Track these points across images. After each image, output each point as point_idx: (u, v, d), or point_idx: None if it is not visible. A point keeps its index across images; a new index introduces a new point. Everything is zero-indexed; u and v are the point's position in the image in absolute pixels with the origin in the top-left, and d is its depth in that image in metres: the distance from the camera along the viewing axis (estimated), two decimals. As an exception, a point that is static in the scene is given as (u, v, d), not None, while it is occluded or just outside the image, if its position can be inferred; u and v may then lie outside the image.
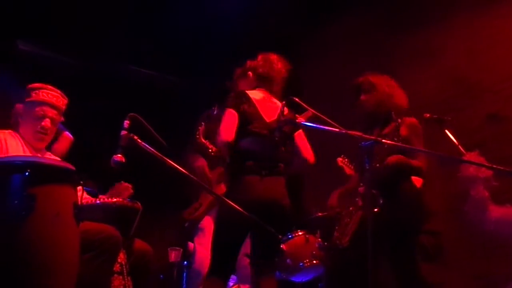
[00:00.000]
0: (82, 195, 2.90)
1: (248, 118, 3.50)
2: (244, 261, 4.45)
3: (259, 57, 3.79)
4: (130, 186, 3.47)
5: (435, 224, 4.11)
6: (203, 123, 4.29)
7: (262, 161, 3.46)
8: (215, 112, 4.37)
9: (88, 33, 5.29)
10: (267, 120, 3.56)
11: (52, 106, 3.41)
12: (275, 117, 3.57)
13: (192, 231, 4.51)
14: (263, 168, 3.45)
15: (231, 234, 3.40)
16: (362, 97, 3.98)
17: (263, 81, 3.70)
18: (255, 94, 3.62)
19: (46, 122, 3.37)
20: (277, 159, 3.55)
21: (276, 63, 3.74)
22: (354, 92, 4.07)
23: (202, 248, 4.33)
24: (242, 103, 3.54)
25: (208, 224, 4.42)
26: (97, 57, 5.50)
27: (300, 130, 3.70)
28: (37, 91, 3.39)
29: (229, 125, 3.47)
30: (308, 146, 3.73)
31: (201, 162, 4.33)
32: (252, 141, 3.49)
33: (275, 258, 3.56)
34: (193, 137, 4.31)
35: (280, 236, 3.64)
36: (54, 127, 3.45)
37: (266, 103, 3.62)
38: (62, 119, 3.52)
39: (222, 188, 3.88)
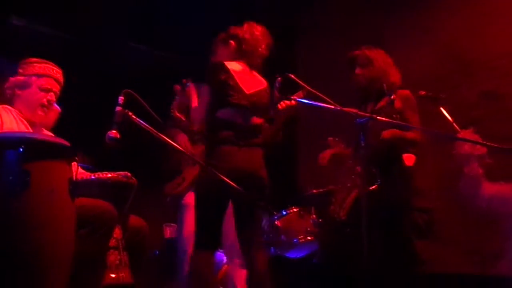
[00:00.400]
0: (77, 171, 2.89)
1: (227, 89, 3.46)
2: (230, 238, 4.46)
3: (245, 26, 3.68)
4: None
5: (427, 201, 4.13)
6: (177, 97, 4.21)
7: (240, 132, 3.44)
8: (188, 85, 4.30)
9: (83, 8, 5.24)
10: (247, 92, 3.53)
11: (57, 81, 3.41)
12: (255, 89, 3.56)
13: (174, 207, 4.44)
14: (241, 138, 3.44)
15: (212, 205, 3.40)
16: (357, 70, 3.98)
17: (244, 54, 3.61)
18: (234, 65, 3.55)
19: (51, 96, 3.36)
20: (256, 130, 3.54)
21: (261, 36, 3.65)
22: (349, 65, 4.06)
23: (187, 225, 4.25)
24: (220, 75, 3.48)
25: (192, 200, 4.35)
26: (93, 33, 5.45)
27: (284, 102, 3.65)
28: (41, 65, 3.38)
29: (204, 98, 3.49)
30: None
31: (182, 137, 4.25)
32: (231, 112, 3.47)
33: (260, 227, 3.54)
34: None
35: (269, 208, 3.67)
36: (54, 101, 3.45)
37: (245, 75, 3.57)
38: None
39: None
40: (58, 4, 5.10)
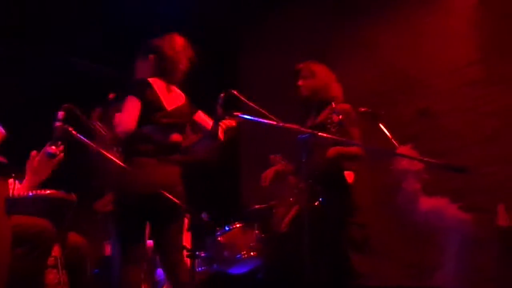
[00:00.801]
0: (14, 188, 2.81)
1: (150, 106, 3.42)
2: None
3: (165, 39, 3.60)
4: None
5: (365, 216, 4.21)
6: (97, 109, 4.12)
7: (159, 148, 3.41)
8: (110, 98, 4.23)
9: (25, 22, 5.12)
10: (168, 109, 3.51)
11: None
12: (176, 105, 3.53)
13: (106, 225, 4.29)
14: (160, 153, 3.41)
15: (134, 220, 3.34)
16: (300, 82, 4.04)
17: (164, 70, 3.55)
18: (156, 82, 3.51)
19: None
20: (175, 148, 3.51)
21: (182, 51, 3.58)
22: (294, 77, 4.11)
23: None
24: (145, 90, 3.44)
25: None
26: (34, 47, 5.34)
27: (199, 111, 3.66)
28: None
29: (131, 113, 3.37)
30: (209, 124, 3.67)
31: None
32: (152, 129, 3.44)
33: (179, 240, 3.48)
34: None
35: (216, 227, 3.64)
36: None
37: (167, 91, 3.54)
38: None
39: None
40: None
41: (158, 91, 3.48)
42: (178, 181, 3.42)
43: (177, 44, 3.59)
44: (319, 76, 3.99)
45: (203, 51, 3.89)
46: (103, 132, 3.74)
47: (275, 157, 4.11)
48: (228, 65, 6.46)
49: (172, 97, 3.55)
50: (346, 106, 3.87)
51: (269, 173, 4.05)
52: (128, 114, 3.38)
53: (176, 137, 3.52)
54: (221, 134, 3.57)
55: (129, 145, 3.40)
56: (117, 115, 3.40)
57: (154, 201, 3.22)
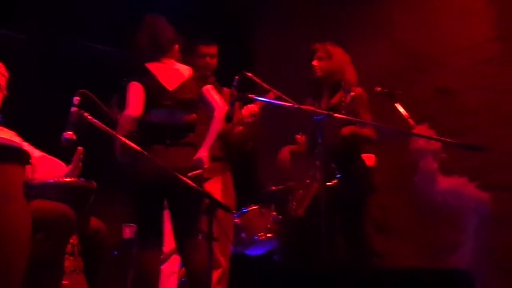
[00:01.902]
0: (33, 174, 2.83)
1: (151, 91, 3.44)
2: None
3: (145, 20, 3.65)
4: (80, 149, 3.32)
5: (383, 197, 4.20)
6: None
7: (167, 132, 3.42)
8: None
9: (33, 5, 5.11)
10: (170, 89, 3.50)
11: None
12: (178, 83, 3.52)
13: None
14: (168, 137, 3.41)
15: (151, 204, 3.39)
16: (315, 62, 4.01)
17: (155, 50, 3.57)
18: (152, 65, 3.53)
19: None
20: (185, 129, 3.52)
21: (160, 27, 3.62)
22: (308, 57, 4.09)
23: None
24: (142, 76, 3.47)
25: None
26: (44, 31, 5.33)
27: (208, 86, 3.64)
28: None
29: (135, 99, 3.42)
30: (219, 97, 3.65)
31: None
32: (157, 113, 3.45)
33: (197, 226, 3.48)
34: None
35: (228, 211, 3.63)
36: (0, 95, 3.32)
37: (166, 71, 3.54)
38: (5, 92, 3.38)
39: None
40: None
41: (156, 73, 3.47)
42: (189, 166, 3.39)
43: (158, 21, 3.62)
44: (335, 58, 3.96)
45: (217, 31, 3.89)
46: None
47: (301, 136, 4.09)
48: (242, 45, 6.43)
49: (173, 74, 3.53)
50: (359, 90, 3.86)
51: (285, 154, 4.03)
52: (133, 99, 3.40)
53: (184, 117, 3.51)
54: (246, 119, 3.57)
55: (140, 132, 3.41)
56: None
57: (166, 187, 3.24)
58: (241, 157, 4.26)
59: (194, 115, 3.56)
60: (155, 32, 3.58)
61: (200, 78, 3.68)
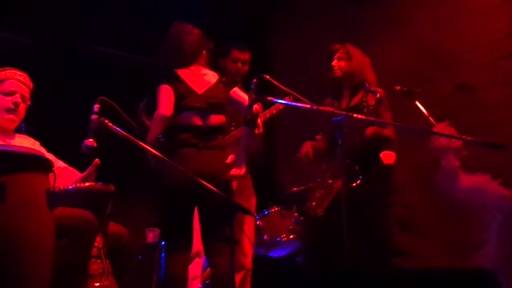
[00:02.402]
0: (55, 182, 2.87)
1: (181, 94, 3.47)
2: None
3: (170, 32, 3.69)
4: (96, 161, 3.36)
5: (407, 196, 4.18)
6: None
7: (198, 134, 3.44)
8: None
9: (48, 11, 5.15)
10: (199, 92, 3.53)
11: (22, 83, 3.35)
12: (207, 87, 3.55)
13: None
14: (200, 140, 3.43)
15: (181, 208, 3.40)
16: (334, 62, 4.01)
17: (180, 55, 3.61)
18: (181, 71, 3.57)
19: (17, 98, 3.30)
20: (214, 131, 3.53)
21: (181, 33, 3.64)
22: (327, 57, 4.09)
23: None
24: (172, 80, 3.51)
25: None
26: (62, 38, 5.38)
27: (235, 87, 3.67)
28: (2, 71, 3.34)
29: (166, 99, 3.44)
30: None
31: None
32: (188, 115, 3.47)
33: (225, 229, 3.49)
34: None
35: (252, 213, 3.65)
36: (24, 105, 3.38)
37: (194, 76, 3.57)
38: (30, 102, 3.45)
39: None
40: (21, 9, 5.00)
41: (184, 78, 3.51)
42: (222, 167, 3.44)
43: (177, 28, 3.64)
44: (355, 59, 3.97)
45: (233, 31, 3.89)
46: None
47: (320, 137, 4.09)
48: (259, 47, 6.44)
49: (200, 80, 3.57)
50: (379, 90, 3.85)
51: (307, 148, 4.03)
52: (164, 100, 3.43)
53: (214, 119, 3.54)
54: (259, 125, 3.58)
55: (168, 137, 3.44)
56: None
57: (197, 193, 3.21)
58: (261, 160, 4.25)
59: (223, 117, 3.59)
60: (180, 41, 3.61)
61: (228, 83, 3.71)
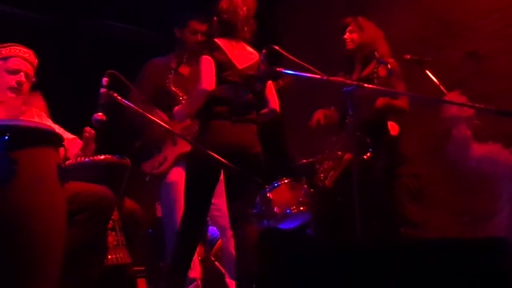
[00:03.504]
0: (66, 156, 2.85)
1: (220, 66, 3.46)
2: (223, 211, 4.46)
3: (223, 1, 3.63)
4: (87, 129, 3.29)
5: (417, 166, 4.16)
6: (172, 71, 4.18)
7: (233, 108, 3.43)
8: (184, 61, 4.26)
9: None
10: (239, 67, 3.52)
11: (26, 61, 3.31)
12: (248, 63, 3.54)
13: (155, 187, 4.30)
14: (234, 114, 3.42)
15: (204, 183, 3.42)
16: (346, 35, 3.98)
17: (229, 29, 3.58)
18: (224, 42, 3.54)
19: (21, 77, 3.26)
20: (249, 106, 3.54)
21: (241, 7, 3.59)
22: (340, 30, 4.05)
23: (180, 204, 3.87)
24: (213, 50, 3.48)
25: (178, 177, 4.02)
26: (68, 12, 5.32)
27: (270, 82, 3.67)
28: (7, 48, 3.29)
29: (208, 72, 3.42)
30: (276, 97, 3.72)
31: (161, 114, 4.12)
32: (225, 89, 3.46)
33: (251, 202, 3.52)
34: (160, 87, 4.16)
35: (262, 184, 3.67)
36: (28, 84, 3.35)
37: (236, 50, 3.56)
38: (34, 79, 3.41)
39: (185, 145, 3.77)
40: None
41: (227, 51, 3.48)
42: (255, 141, 3.46)
43: (236, 5, 3.58)
44: (367, 31, 3.94)
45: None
46: (181, 96, 3.79)
47: (333, 109, 4.07)
48: (266, 19, 6.36)
49: (242, 56, 3.55)
50: (392, 61, 3.81)
51: (319, 115, 4.00)
52: (206, 73, 3.41)
53: (251, 95, 3.52)
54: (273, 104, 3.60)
55: (204, 107, 3.42)
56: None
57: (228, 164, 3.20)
58: (270, 132, 4.23)
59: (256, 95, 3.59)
60: (233, 12, 3.57)
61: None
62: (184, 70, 4.27)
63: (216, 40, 3.54)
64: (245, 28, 3.61)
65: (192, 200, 3.45)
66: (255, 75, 3.53)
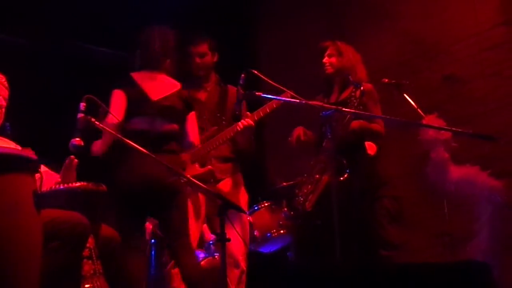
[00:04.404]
0: (41, 183, 2.81)
1: (133, 100, 3.46)
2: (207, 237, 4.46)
3: (144, 33, 3.65)
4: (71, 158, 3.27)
5: (396, 188, 4.18)
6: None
7: (148, 140, 3.38)
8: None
9: (29, 9, 5.05)
10: (153, 99, 3.51)
11: (3, 86, 3.24)
12: (164, 95, 3.54)
13: None
14: (149, 145, 3.28)
15: (124, 209, 3.44)
16: (326, 59, 3.99)
17: (145, 61, 3.60)
18: (140, 75, 3.55)
19: (1, 101, 3.22)
20: (166, 137, 3.52)
21: (156, 40, 3.60)
22: (319, 54, 4.06)
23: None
24: (125, 85, 3.49)
25: None
26: (42, 35, 5.27)
27: (192, 113, 3.66)
28: None
29: (117, 106, 3.43)
30: (196, 130, 3.70)
31: None
32: (139, 121, 3.46)
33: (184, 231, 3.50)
34: None
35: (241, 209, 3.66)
36: (3, 109, 3.30)
37: (153, 82, 3.55)
38: (5, 104, 3.35)
39: (196, 168, 3.74)
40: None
41: (141, 83, 3.48)
42: (167, 172, 3.32)
43: (152, 38, 3.60)
44: (346, 55, 3.96)
45: (220, 28, 3.84)
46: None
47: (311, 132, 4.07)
48: (245, 42, 6.40)
49: (160, 87, 3.55)
50: (369, 86, 3.85)
51: (299, 131, 3.99)
52: (114, 107, 3.41)
53: (166, 126, 3.50)
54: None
55: (119, 142, 3.39)
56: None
57: (143, 193, 3.34)
58: (250, 156, 4.22)
59: (176, 126, 3.56)
60: (149, 44, 3.58)
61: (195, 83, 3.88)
62: (201, 95, 4.24)
63: (131, 74, 3.55)
64: (166, 60, 3.61)
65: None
66: (171, 106, 3.53)
